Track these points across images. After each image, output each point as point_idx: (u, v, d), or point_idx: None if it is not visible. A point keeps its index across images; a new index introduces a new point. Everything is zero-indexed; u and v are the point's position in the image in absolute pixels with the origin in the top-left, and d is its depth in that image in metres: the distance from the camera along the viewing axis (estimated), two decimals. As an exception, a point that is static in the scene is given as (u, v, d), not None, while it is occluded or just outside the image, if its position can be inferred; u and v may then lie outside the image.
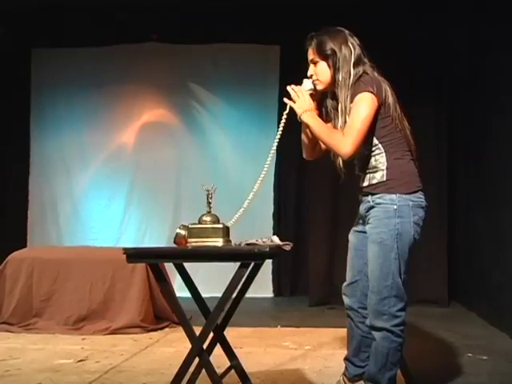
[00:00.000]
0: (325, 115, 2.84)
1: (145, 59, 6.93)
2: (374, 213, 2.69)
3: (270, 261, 6.24)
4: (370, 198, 2.72)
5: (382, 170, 2.68)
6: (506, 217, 4.63)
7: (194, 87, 7.04)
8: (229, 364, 3.01)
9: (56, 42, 6.90)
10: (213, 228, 2.72)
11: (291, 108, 2.76)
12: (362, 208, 2.79)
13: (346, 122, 2.67)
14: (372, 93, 2.61)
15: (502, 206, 4.74)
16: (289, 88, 2.77)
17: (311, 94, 2.78)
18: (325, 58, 2.73)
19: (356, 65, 2.69)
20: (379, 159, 2.69)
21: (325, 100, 2.86)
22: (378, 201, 2.68)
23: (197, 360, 2.66)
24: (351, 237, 2.95)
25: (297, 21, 6.38)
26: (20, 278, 4.84)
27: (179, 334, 3.86)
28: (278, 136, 2.81)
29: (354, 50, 2.71)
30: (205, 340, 2.67)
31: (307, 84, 2.79)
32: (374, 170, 2.71)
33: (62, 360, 3.87)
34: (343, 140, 2.62)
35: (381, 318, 2.64)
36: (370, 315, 2.69)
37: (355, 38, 2.77)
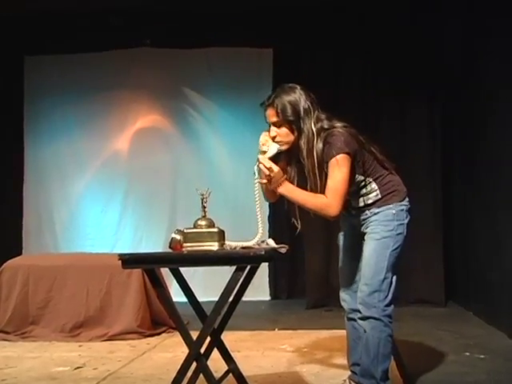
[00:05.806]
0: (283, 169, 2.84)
1: (138, 65, 6.91)
2: (374, 218, 2.87)
3: (267, 264, 6.23)
4: (367, 211, 2.88)
5: (376, 190, 2.87)
6: (501, 216, 4.64)
7: (188, 92, 7.03)
8: (226, 368, 3.01)
9: (49, 48, 6.88)
10: (208, 232, 2.73)
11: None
12: (358, 219, 2.92)
13: (317, 181, 2.73)
14: (344, 153, 2.71)
15: (497, 205, 4.75)
16: (261, 166, 2.75)
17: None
18: (288, 122, 2.78)
19: (316, 122, 2.77)
20: (369, 186, 2.87)
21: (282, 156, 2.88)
22: (376, 210, 2.86)
23: (194, 365, 2.66)
24: (342, 239, 3.09)
25: (289, 24, 6.41)
26: (16, 285, 4.82)
27: (176, 339, 3.87)
28: (257, 203, 2.89)
29: (312, 106, 2.78)
30: (202, 344, 2.67)
31: (273, 148, 2.81)
32: (367, 193, 2.88)
33: (59, 367, 3.86)
34: (329, 204, 2.72)
35: (370, 310, 2.78)
36: (359, 306, 2.82)
37: (308, 91, 2.81)
